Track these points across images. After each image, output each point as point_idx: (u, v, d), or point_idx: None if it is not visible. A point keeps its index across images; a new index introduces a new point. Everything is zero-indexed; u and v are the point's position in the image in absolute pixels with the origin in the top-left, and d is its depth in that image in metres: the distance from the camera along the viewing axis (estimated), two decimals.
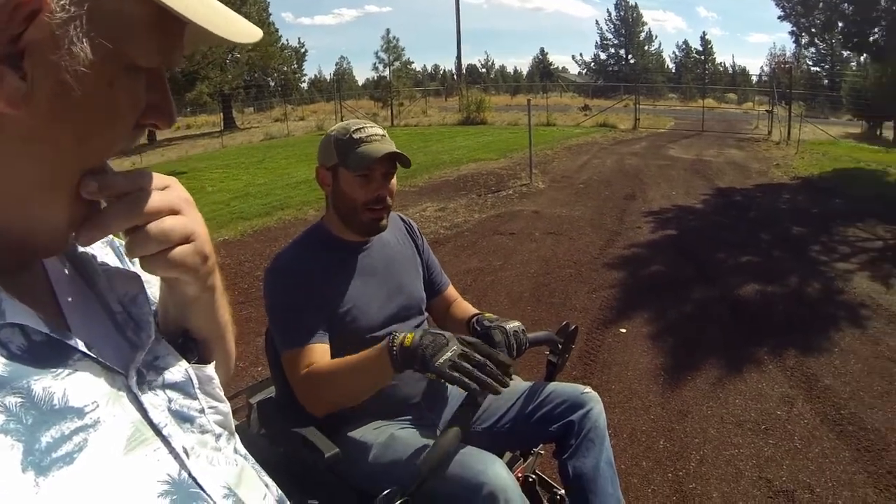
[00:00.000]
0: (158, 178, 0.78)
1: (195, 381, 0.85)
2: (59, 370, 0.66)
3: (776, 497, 3.35)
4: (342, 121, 2.37)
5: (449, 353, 1.75)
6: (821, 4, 20.81)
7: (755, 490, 3.40)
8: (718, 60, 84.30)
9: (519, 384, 2.37)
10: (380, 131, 2.20)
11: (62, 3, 0.61)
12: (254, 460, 0.93)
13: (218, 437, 0.84)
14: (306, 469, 2.04)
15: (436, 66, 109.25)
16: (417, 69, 76.04)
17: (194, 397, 0.83)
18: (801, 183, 13.56)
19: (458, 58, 55.44)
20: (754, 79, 72.57)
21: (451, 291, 2.64)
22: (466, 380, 1.72)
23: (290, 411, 2.18)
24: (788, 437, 3.87)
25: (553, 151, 18.52)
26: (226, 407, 0.89)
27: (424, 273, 2.53)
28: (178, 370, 0.83)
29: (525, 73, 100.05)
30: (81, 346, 0.69)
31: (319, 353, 2.10)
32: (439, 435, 1.83)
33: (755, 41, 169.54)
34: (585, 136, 23.05)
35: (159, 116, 0.76)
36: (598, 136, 23.13)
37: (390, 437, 2.08)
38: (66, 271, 0.84)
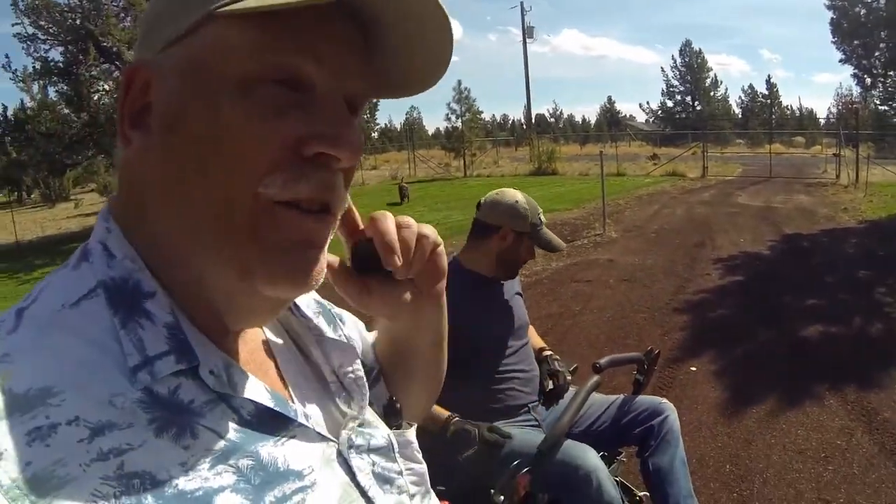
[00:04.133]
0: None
1: (396, 445, 0.87)
2: (281, 437, 0.70)
3: None
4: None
5: (469, 451, 2.33)
6: (881, 45, 20.44)
7: None
8: (785, 103, 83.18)
9: (608, 397, 2.86)
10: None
11: (161, 62, 0.66)
12: None
13: (412, 496, 0.86)
14: (437, 462, 2.52)
15: (505, 116, 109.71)
16: (486, 119, 75.92)
17: (394, 460, 0.85)
18: (869, 227, 13.45)
19: (528, 108, 55.32)
20: (822, 121, 70.82)
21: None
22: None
23: None
24: (847, 464, 4.05)
25: (624, 201, 18.73)
26: (422, 468, 0.91)
27: None
28: (382, 436, 0.85)
29: (593, 121, 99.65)
30: (301, 417, 0.74)
31: None
32: (553, 426, 2.36)
33: (821, 81, 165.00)
34: (655, 185, 23.16)
35: (323, 142, 0.66)
36: (668, 185, 23.23)
37: (516, 429, 2.55)
38: (283, 341, 0.87)
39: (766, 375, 5.56)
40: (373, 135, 67.54)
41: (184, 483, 0.59)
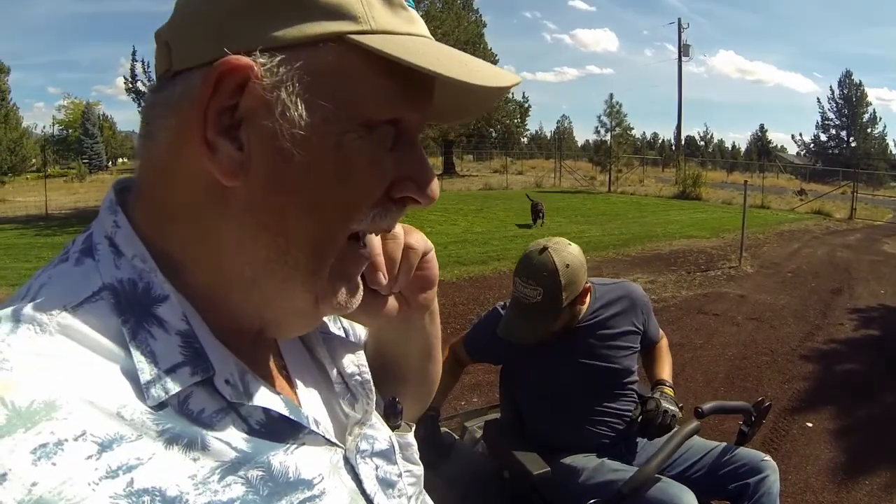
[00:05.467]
0: None
1: (397, 448, 0.86)
2: (291, 445, 0.68)
3: None
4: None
5: None
6: None
7: None
8: None
9: (709, 442, 2.71)
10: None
11: (269, 66, 0.59)
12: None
13: (409, 497, 0.86)
14: (512, 484, 2.54)
15: (655, 135, 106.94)
16: (636, 135, 74.20)
17: (394, 463, 0.84)
18: None
19: (678, 129, 53.95)
20: None
21: (660, 344, 3.02)
22: None
23: (513, 433, 2.75)
24: None
25: (765, 236, 17.89)
26: (419, 470, 0.90)
27: (641, 340, 2.87)
28: (384, 438, 0.84)
29: (743, 148, 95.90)
30: (312, 424, 0.71)
31: (462, 356, 2.90)
32: (639, 468, 2.28)
33: None
34: (799, 222, 22.03)
35: (413, 188, 0.69)
36: (812, 223, 22.02)
37: (601, 463, 2.54)
38: (291, 339, 0.84)
39: (886, 443, 5.18)
40: (522, 140, 67.03)
41: (194, 498, 0.57)
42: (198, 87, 0.59)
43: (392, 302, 0.84)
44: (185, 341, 0.62)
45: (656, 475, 2.32)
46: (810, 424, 5.52)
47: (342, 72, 0.61)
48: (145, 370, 0.59)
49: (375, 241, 0.78)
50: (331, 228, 0.65)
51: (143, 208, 0.67)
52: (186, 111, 0.61)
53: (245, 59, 0.58)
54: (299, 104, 0.60)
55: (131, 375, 0.58)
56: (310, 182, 0.62)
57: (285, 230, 0.63)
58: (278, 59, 0.59)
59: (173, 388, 0.59)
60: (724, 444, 2.70)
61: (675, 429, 2.48)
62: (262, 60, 0.59)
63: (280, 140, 0.60)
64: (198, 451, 0.59)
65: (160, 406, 0.58)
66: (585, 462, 2.57)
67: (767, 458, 2.59)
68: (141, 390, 0.58)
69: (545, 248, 2.54)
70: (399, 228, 0.81)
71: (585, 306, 2.68)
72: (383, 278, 0.79)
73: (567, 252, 2.55)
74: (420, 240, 0.84)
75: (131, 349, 0.59)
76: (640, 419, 2.58)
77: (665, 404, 2.54)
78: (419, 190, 0.69)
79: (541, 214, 17.61)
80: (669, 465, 2.51)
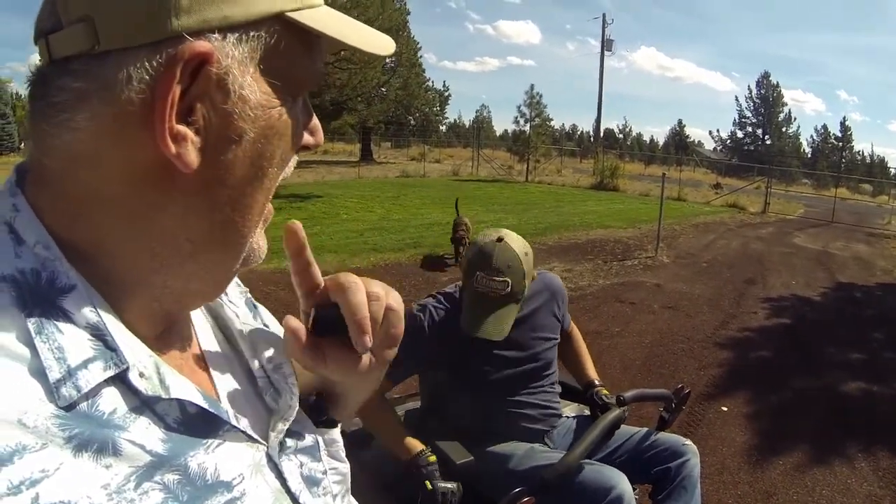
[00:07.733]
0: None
1: (322, 445, 0.85)
2: (210, 442, 0.65)
3: None
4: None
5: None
6: None
7: None
8: (857, 148, 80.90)
9: (630, 428, 2.72)
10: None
11: (225, 49, 0.58)
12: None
13: (335, 496, 0.85)
14: (446, 474, 2.48)
15: (573, 126, 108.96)
16: (555, 126, 75.37)
17: (319, 460, 0.83)
18: None
19: (598, 121, 54.74)
20: (893, 170, 69.08)
21: (573, 333, 3.03)
22: None
23: (434, 423, 2.67)
24: None
25: (681, 227, 18.41)
26: (345, 467, 0.89)
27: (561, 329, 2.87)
28: (310, 435, 0.84)
29: (661, 142, 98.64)
30: (232, 418, 0.68)
31: (384, 385, 2.54)
32: (563, 456, 2.28)
33: None
34: (714, 214, 22.74)
35: (309, 136, 0.73)
36: (727, 216, 22.75)
37: (530, 448, 2.54)
38: (210, 327, 0.82)
39: (798, 426, 5.39)
40: (441, 128, 67.19)
41: None
42: (152, 75, 0.56)
43: (365, 360, 0.82)
44: (94, 334, 0.58)
45: (588, 461, 2.34)
46: (725, 409, 5.67)
47: (282, 49, 0.62)
48: (53, 368, 0.53)
49: (362, 302, 0.76)
50: (269, 192, 0.68)
51: (48, 195, 0.61)
52: (134, 100, 0.56)
53: (207, 45, 0.57)
54: (253, 85, 0.61)
55: (39, 375, 0.53)
56: (258, 155, 0.63)
57: (232, 202, 0.64)
58: (231, 39, 0.59)
59: (85, 385, 0.54)
60: (646, 429, 2.72)
61: (600, 417, 2.50)
62: (217, 44, 0.58)
63: (235, 121, 0.60)
64: (110, 456, 0.54)
65: (70, 407, 0.53)
66: (513, 449, 2.54)
67: (688, 442, 2.62)
68: (50, 391, 0.53)
69: (501, 239, 2.48)
70: (381, 289, 0.80)
71: None
72: (369, 341, 0.77)
73: (519, 240, 2.52)
74: (398, 300, 0.83)
75: (37, 346, 0.54)
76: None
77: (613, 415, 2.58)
78: (314, 136, 0.73)
79: (463, 242, 10.77)
80: (593, 451, 2.49)
